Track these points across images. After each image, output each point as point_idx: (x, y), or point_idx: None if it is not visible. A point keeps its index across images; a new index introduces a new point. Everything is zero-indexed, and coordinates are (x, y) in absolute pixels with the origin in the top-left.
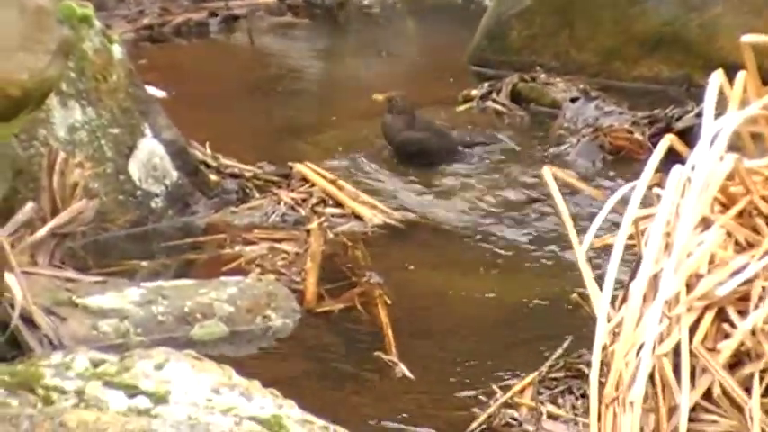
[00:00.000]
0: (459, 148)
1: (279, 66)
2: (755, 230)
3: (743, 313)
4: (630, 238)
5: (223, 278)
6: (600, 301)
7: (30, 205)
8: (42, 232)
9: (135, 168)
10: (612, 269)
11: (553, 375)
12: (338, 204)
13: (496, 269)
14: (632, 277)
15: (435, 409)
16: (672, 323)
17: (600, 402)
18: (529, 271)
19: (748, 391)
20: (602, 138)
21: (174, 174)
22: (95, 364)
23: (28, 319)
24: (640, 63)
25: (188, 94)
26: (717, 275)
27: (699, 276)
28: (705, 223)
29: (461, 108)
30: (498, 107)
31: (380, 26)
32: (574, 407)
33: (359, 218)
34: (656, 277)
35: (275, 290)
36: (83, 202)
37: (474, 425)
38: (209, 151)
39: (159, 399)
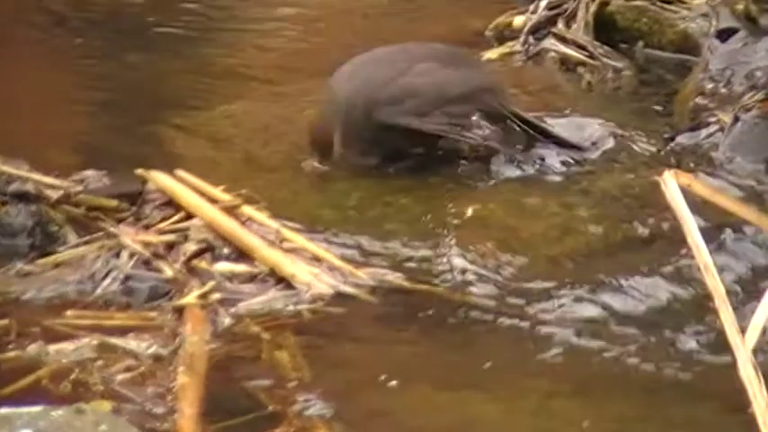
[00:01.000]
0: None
1: None
2: None
3: None
4: None
5: (4, 410)
6: None
7: None
8: None
9: None
10: None
11: None
12: (242, 254)
13: (574, 396)
14: None
15: None
16: None
17: None
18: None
19: None
20: None
21: None
22: None
23: None
24: None
25: None
26: None
27: None
28: None
29: (492, 54)
30: (567, 51)
31: None
32: None
33: (286, 283)
34: None
35: None
36: None
37: None
38: None
39: None
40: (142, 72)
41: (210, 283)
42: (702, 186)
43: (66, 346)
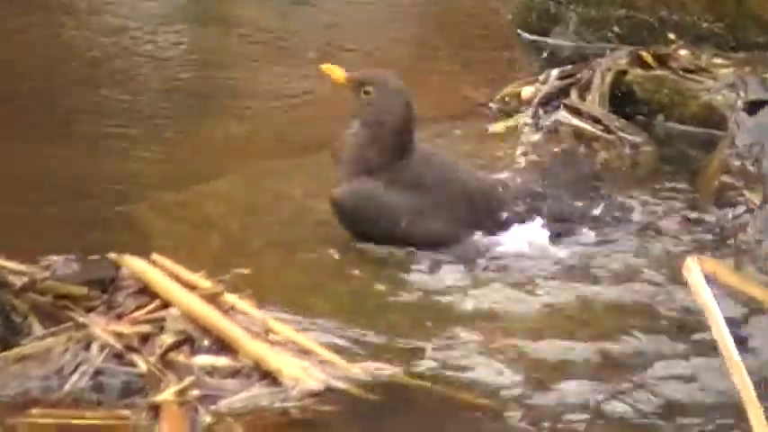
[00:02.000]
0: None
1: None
2: None
3: None
4: None
5: None
6: None
7: None
8: None
9: None
10: None
11: None
12: (224, 347)
13: None
14: None
15: None
16: None
17: None
18: None
19: None
20: None
21: None
22: None
23: None
24: None
25: None
26: None
27: None
28: None
29: (498, 127)
30: (582, 124)
31: None
32: None
33: (271, 378)
34: None
35: None
36: None
37: None
38: None
39: None
40: (113, 146)
41: (189, 379)
42: (729, 274)
43: None
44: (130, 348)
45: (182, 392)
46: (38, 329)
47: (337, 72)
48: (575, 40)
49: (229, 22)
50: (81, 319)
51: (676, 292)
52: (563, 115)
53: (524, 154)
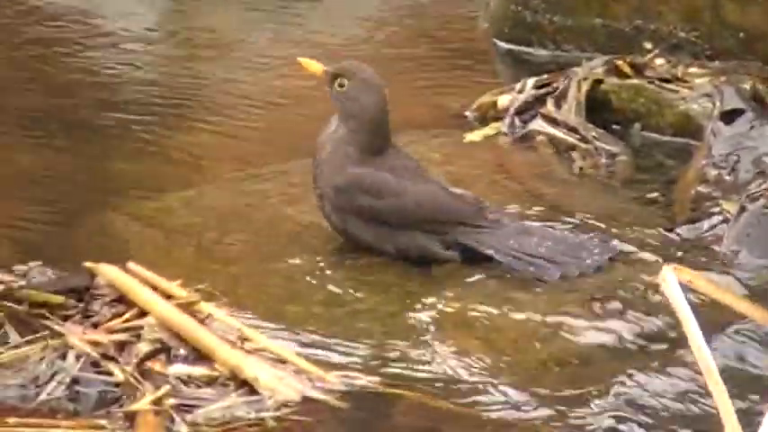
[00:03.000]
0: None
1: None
2: None
3: None
4: None
5: None
6: None
7: None
8: None
9: None
10: None
11: None
12: (200, 356)
13: None
14: None
15: None
16: None
17: None
18: None
19: None
20: None
21: None
22: None
23: None
24: None
25: None
26: None
27: None
28: None
29: (474, 136)
30: (558, 133)
31: None
32: None
33: (248, 387)
34: None
35: None
36: None
37: None
38: None
39: None
40: (90, 155)
41: (165, 388)
42: (705, 283)
43: None
44: (107, 357)
45: (158, 401)
46: (14, 338)
47: (314, 65)
48: (551, 49)
49: (207, 31)
50: (57, 328)
51: (651, 303)
52: (539, 124)
53: (500, 164)
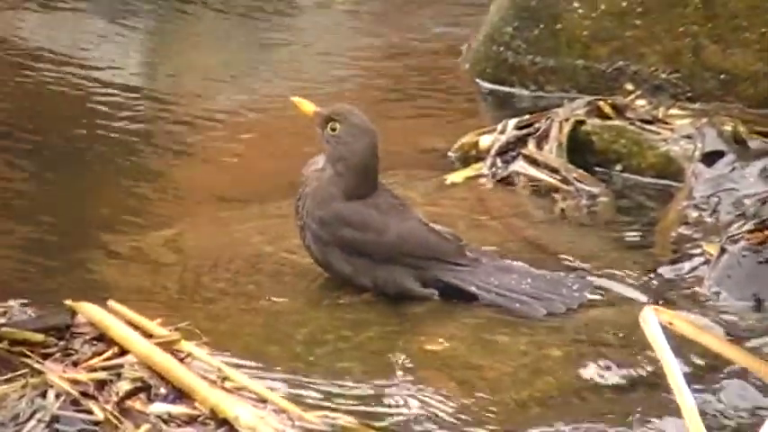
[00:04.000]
0: (463, 265)
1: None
2: None
3: None
4: None
5: None
6: None
7: None
8: None
9: None
10: None
11: None
12: (181, 394)
13: None
14: None
15: None
16: None
17: None
18: None
19: None
20: None
21: None
22: None
23: None
24: None
25: None
26: None
27: None
28: None
29: (456, 177)
30: (539, 174)
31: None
32: None
33: (228, 426)
34: None
35: None
36: None
37: None
38: None
39: None
40: (72, 193)
41: (145, 427)
42: (685, 324)
43: None
44: (87, 395)
45: None
46: None
47: (306, 105)
48: (533, 90)
49: (189, 66)
50: (37, 366)
51: (632, 344)
52: (521, 165)
53: (481, 205)
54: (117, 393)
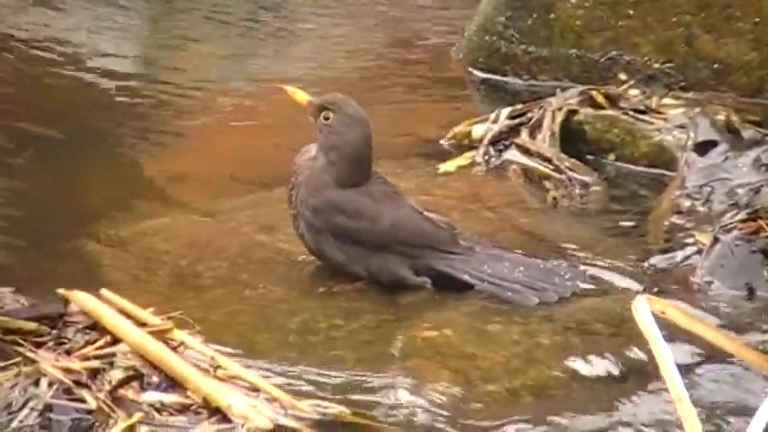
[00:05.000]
0: (458, 254)
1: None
2: None
3: None
4: None
5: None
6: None
7: None
8: None
9: None
10: None
11: None
12: (173, 383)
13: None
14: None
15: None
16: None
17: None
18: None
19: None
20: None
21: None
22: None
23: None
24: None
25: None
26: None
27: None
28: None
29: (449, 166)
30: (531, 163)
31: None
32: None
33: (221, 415)
34: None
35: None
36: None
37: None
38: None
39: None
40: (64, 181)
41: (138, 415)
42: (678, 313)
43: None
44: (80, 384)
45: (130, 429)
46: None
47: (299, 95)
48: (526, 79)
49: (185, 55)
50: (30, 355)
51: (624, 333)
52: (513, 154)
53: (474, 194)
54: (110, 382)
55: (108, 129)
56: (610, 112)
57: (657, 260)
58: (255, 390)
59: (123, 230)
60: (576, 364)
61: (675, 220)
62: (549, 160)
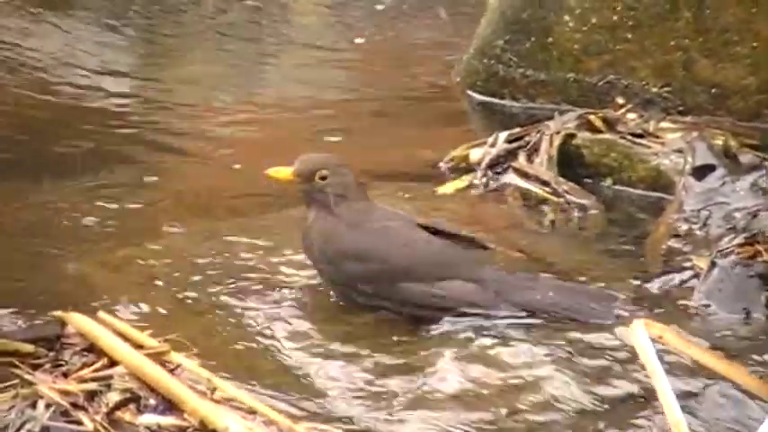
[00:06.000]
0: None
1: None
2: None
3: None
4: None
5: None
6: None
7: None
8: None
9: None
10: None
11: None
12: (170, 406)
13: None
14: None
15: None
16: None
17: None
18: None
19: None
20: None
21: None
22: None
23: None
24: None
25: None
26: None
27: None
28: None
29: (446, 188)
30: (529, 186)
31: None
32: None
33: None
34: None
35: None
36: None
37: None
38: None
39: None
40: (62, 201)
41: None
42: (675, 338)
43: None
44: (77, 406)
45: None
46: None
47: (283, 172)
48: (524, 103)
49: (181, 81)
50: (27, 377)
51: (621, 358)
52: (511, 178)
53: (472, 216)
54: (107, 404)
55: (106, 148)
56: (607, 135)
57: (655, 284)
58: (253, 412)
59: (121, 252)
60: (573, 388)
61: (673, 243)
62: (546, 183)
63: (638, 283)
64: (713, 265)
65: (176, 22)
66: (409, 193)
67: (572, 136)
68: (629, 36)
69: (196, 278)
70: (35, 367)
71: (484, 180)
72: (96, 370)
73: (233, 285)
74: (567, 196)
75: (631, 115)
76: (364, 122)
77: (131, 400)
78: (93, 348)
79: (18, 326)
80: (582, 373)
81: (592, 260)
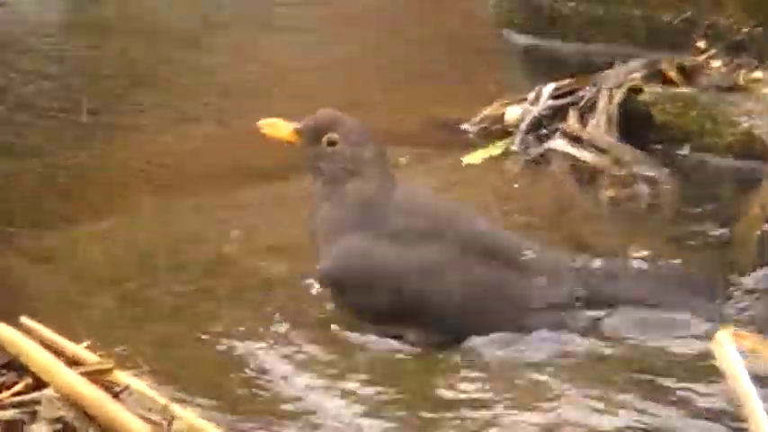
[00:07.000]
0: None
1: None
2: None
3: None
4: None
5: None
6: None
7: None
8: None
9: None
10: None
11: None
12: None
13: None
14: None
15: None
16: None
17: None
18: None
19: None
20: None
21: None
22: None
23: None
24: None
25: None
26: None
27: None
28: None
29: (474, 158)
30: (583, 154)
31: None
32: None
33: None
34: None
35: None
36: None
37: None
38: None
39: None
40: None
41: None
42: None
43: None
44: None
45: None
46: None
47: (281, 127)
48: (575, 46)
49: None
50: None
51: (702, 376)
52: (559, 143)
53: (508, 193)
54: None
55: (39, 115)
56: (685, 90)
57: (746, 280)
58: None
59: (52, 239)
60: (641, 414)
61: None
62: (604, 151)
63: (724, 278)
64: None
65: None
66: (426, 164)
67: (638, 90)
68: None
69: (150, 273)
70: None
71: (523, 146)
72: (18, 393)
73: (198, 283)
74: (632, 167)
75: (716, 63)
76: (369, 73)
77: (64, 431)
78: (13, 364)
79: None
80: (645, 393)
81: (662, 249)
